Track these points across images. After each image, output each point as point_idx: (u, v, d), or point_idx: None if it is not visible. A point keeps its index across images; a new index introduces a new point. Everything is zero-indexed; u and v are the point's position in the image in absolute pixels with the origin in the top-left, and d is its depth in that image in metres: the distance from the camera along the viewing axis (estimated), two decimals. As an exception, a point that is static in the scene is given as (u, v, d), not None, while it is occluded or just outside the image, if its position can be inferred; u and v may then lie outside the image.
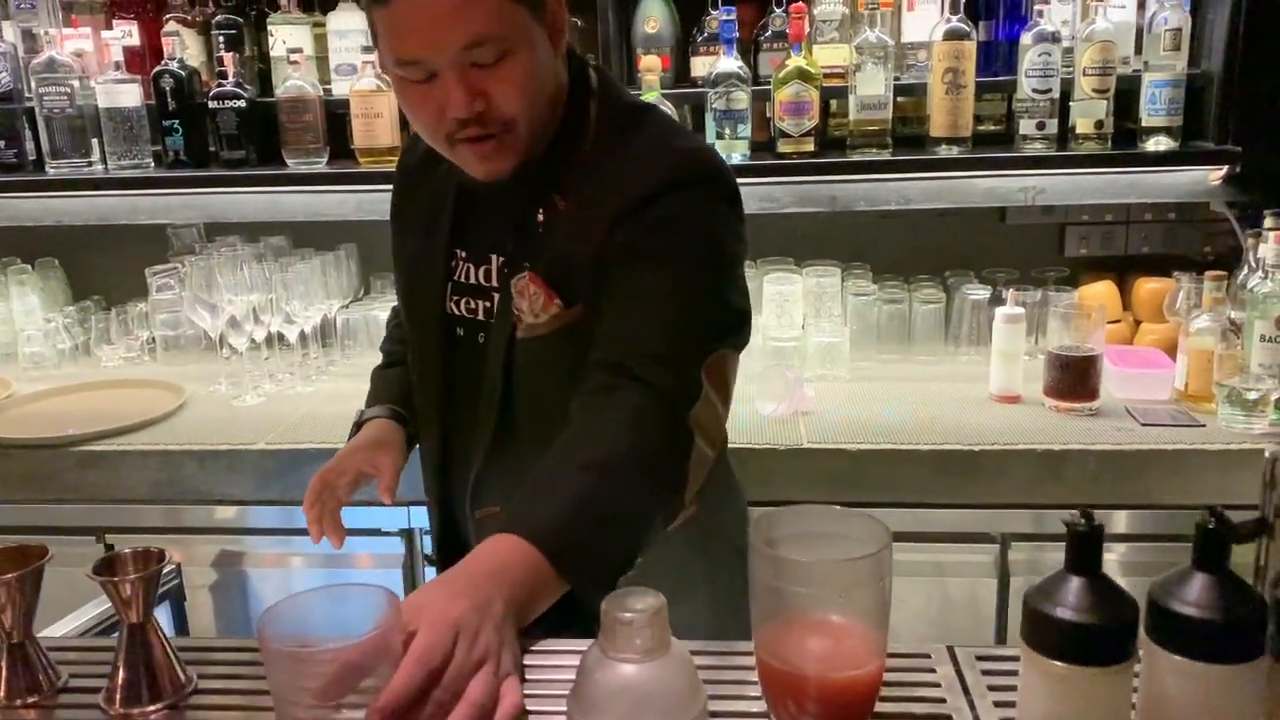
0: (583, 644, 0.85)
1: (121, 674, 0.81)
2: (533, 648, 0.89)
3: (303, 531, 1.99)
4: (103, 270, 2.61)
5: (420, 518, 1.94)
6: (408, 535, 1.97)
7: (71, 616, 1.67)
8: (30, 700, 0.83)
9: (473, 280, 1.26)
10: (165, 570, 1.65)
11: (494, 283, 1.23)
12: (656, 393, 1.06)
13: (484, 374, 1.22)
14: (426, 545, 1.97)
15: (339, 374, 2.30)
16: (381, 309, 2.27)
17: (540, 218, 1.18)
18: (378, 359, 2.22)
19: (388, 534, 1.97)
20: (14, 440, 1.96)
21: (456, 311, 1.28)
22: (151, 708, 0.81)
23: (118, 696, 0.81)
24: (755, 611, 0.75)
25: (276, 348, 2.25)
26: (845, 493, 1.82)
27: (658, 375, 1.07)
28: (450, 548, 1.39)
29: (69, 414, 2.10)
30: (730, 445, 1.89)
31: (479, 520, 1.26)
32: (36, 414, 2.12)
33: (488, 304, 1.24)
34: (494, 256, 1.24)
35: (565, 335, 1.16)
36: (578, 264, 1.15)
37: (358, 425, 1.48)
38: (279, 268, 2.19)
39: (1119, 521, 1.84)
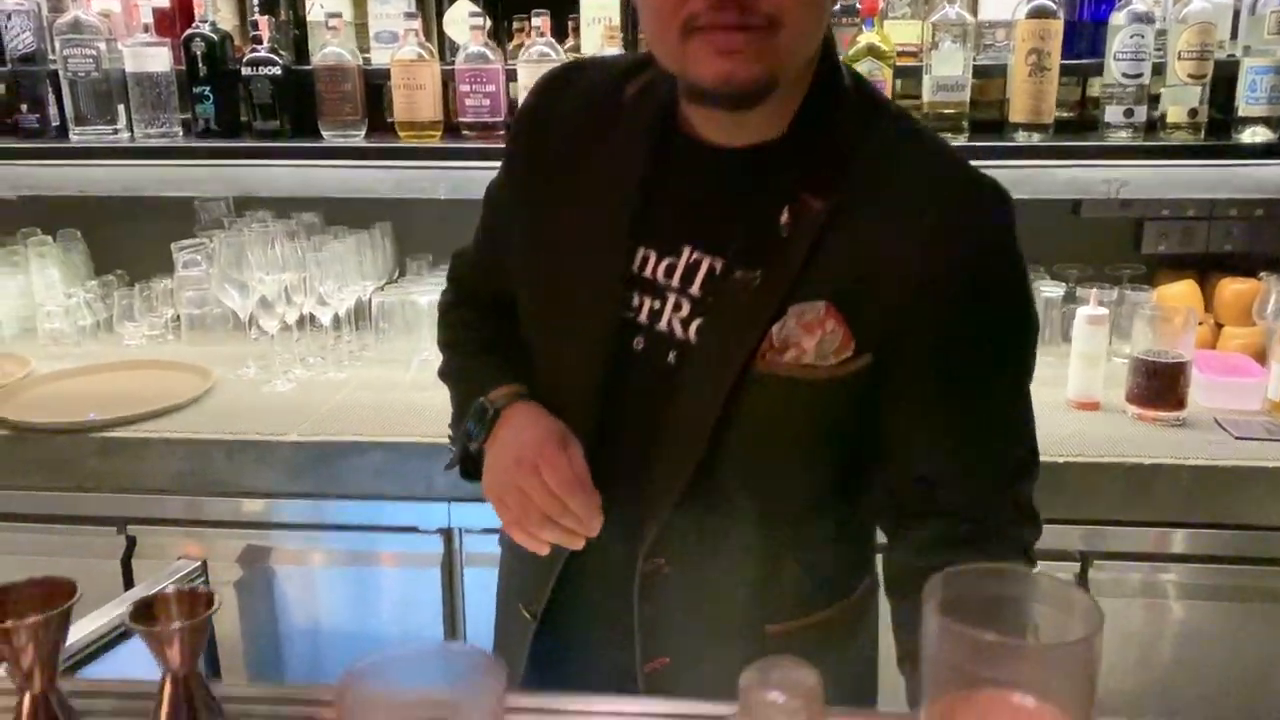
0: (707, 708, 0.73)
1: (161, 729, 0.69)
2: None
3: (334, 527, 1.90)
4: (126, 244, 2.50)
5: (463, 516, 1.83)
6: (447, 535, 1.86)
7: (91, 618, 1.56)
8: (56, 759, 0.71)
9: (659, 278, 0.99)
10: (193, 576, 1.55)
11: (694, 286, 0.97)
12: (1024, 555, 0.92)
13: (681, 406, 0.96)
14: (468, 544, 1.85)
15: (373, 360, 2.19)
16: (420, 293, 2.15)
17: (785, 218, 0.93)
18: (414, 345, 2.13)
19: (425, 532, 1.85)
20: (33, 424, 1.85)
21: (637, 318, 1.00)
22: (196, 775, 0.69)
23: (157, 758, 0.69)
24: (929, 684, 0.63)
25: (308, 330, 2.13)
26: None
27: (1028, 531, 0.94)
28: (569, 591, 1.08)
29: (90, 396, 1.99)
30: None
31: (646, 572, 1.01)
32: (56, 395, 2.01)
33: (681, 313, 0.98)
34: (688, 250, 0.98)
35: (829, 384, 0.93)
36: (870, 303, 0.91)
37: (480, 415, 1.07)
38: (312, 246, 2.08)
39: (1201, 541, 1.72)
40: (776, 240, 0.93)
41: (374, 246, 2.22)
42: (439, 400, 1.99)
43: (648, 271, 0.99)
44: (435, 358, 2.06)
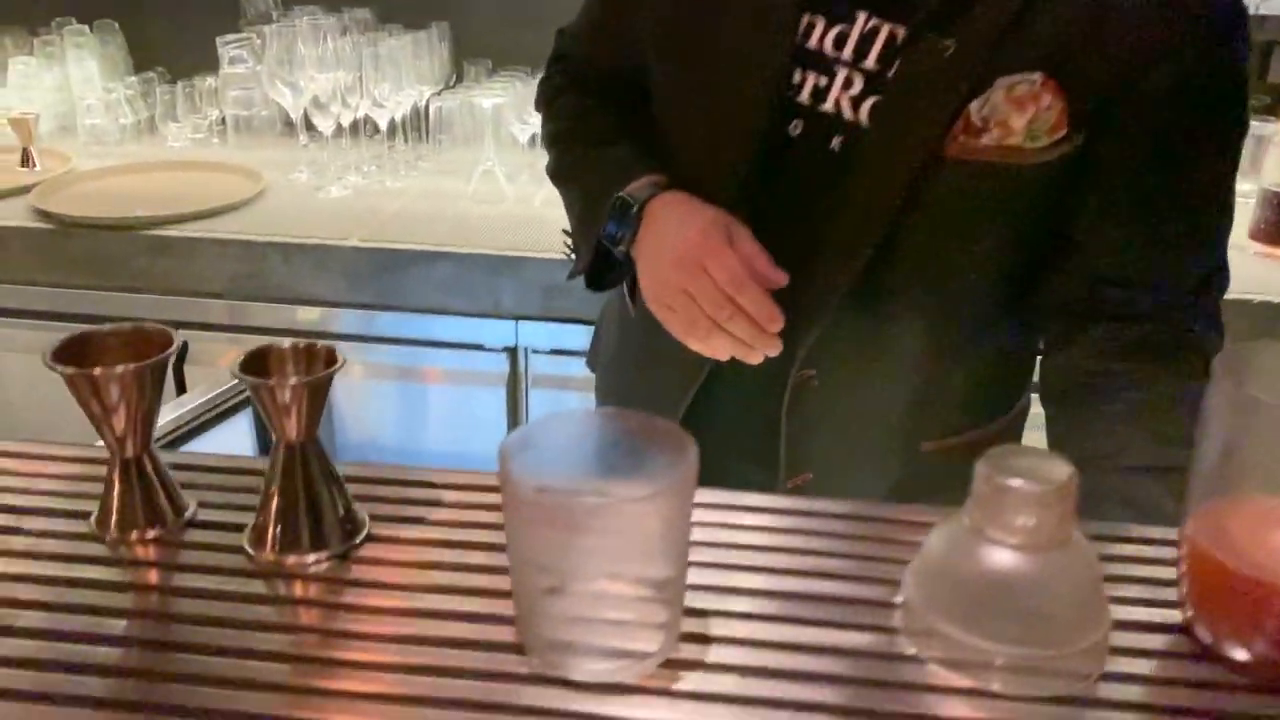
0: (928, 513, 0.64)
1: (275, 506, 0.59)
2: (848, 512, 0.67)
3: (395, 340, 1.81)
4: (167, 38, 2.34)
5: (530, 335, 1.73)
6: (512, 353, 1.77)
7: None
8: (149, 535, 0.62)
9: (826, 49, 0.85)
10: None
11: (870, 59, 0.83)
12: (1206, 367, 0.81)
13: (848, 198, 0.84)
14: (534, 365, 1.76)
15: (431, 170, 2.06)
16: (482, 95, 2.00)
17: None
18: (475, 156, 1.99)
19: (491, 350, 1.76)
20: (78, 219, 1.75)
21: (796, 97, 0.86)
22: (312, 556, 0.60)
23: (270, 538, 0.60)
24: (1198, 486, 0.53)
25: (362, 136, 2.00)
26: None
27: (1212, 341, 0.82)
28: (707, 405, 0.97)
29: (136, 195, 1.88)
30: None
31: (797, 384, 0.90)
32: (100, 193, 1.90)
33: (851, 90, 0.84)
34: (863, 16, 0.83)
35: (1033, 170, 0.81)
36: (1086, 74, 0.79)
37: (622, 212, 0.91)
38: (366, 42, 1.92)
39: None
40: (971, 1, 0.79)
41: (430, 48, 2.06)
42: (504, 214, 1.90)
43: (813, 42, 0.85)
44: (497, 168, 1.96)
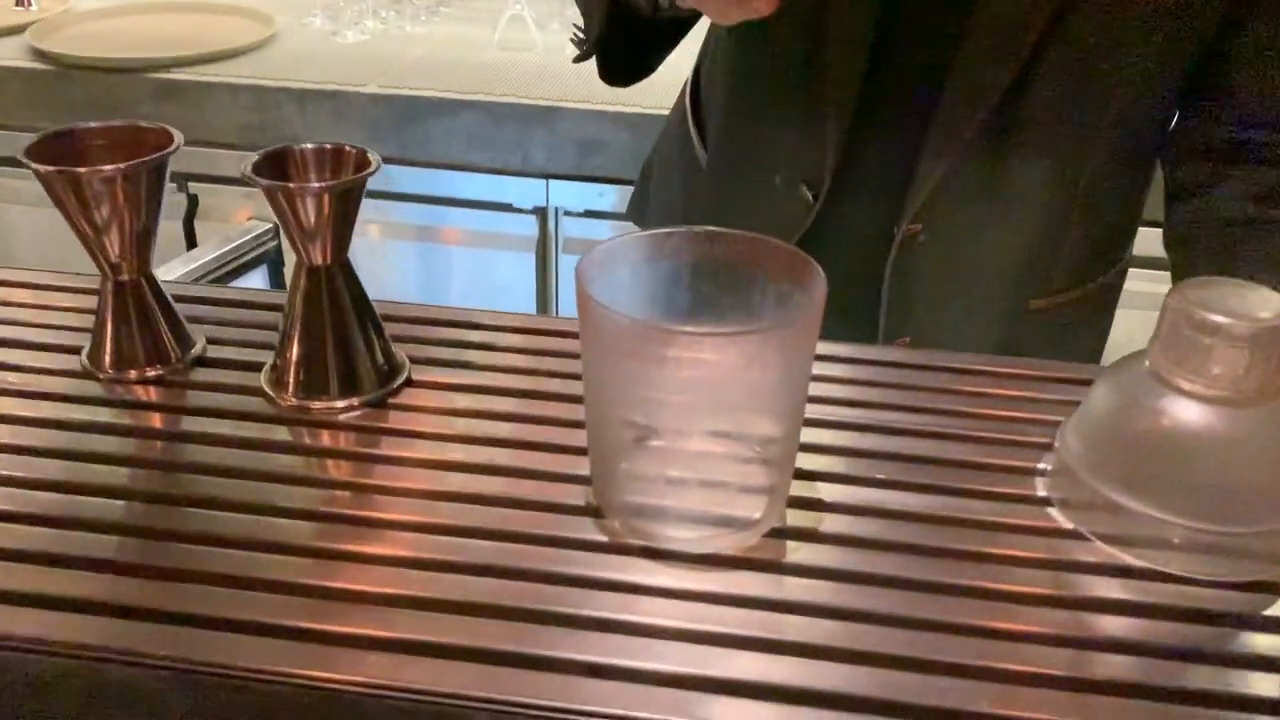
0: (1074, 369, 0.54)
1: (298, 343, 0.50)
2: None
3: (417, 198, 1.70)
4: None
5: (561, 195, 1.61)
6: (542, 214, 1.65)
7: (164, 270, 1.40)
8: (152, 374, 0.53)
9: None
10: (265, 239, 1.35)
11: None
12: None
13: (989, 14, 0.70)
14: (565, 228, 1.65)
15: (454, 16, 1.91)
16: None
17: None
18: (499, 0, 1.85)
19: (520, 211, 1.65)
20: (78, 59, 1.62)
21: None
22: (342, 402, 0.51)
23: (293, 380, 0.51)
24: None
25: (381, -22, 1.85)
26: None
27: None
28: None
29: (139, 37, 1.75)
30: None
31: (904, 240, 0.78)
32: (101, 34, 1.76)
33: None
34: None
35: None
36: None
37: None
38: (386, -125, 1.77)
39: None
40: None
41: (455, -117, 1.89)
42: (534, 62, 1.77)
43: None
44: (526, 12, 1.82)
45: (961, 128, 0.72)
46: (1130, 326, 1.37)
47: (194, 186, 1.67)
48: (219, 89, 1.60)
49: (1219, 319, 0.41)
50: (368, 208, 1.54)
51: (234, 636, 0.38)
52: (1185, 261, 0.76)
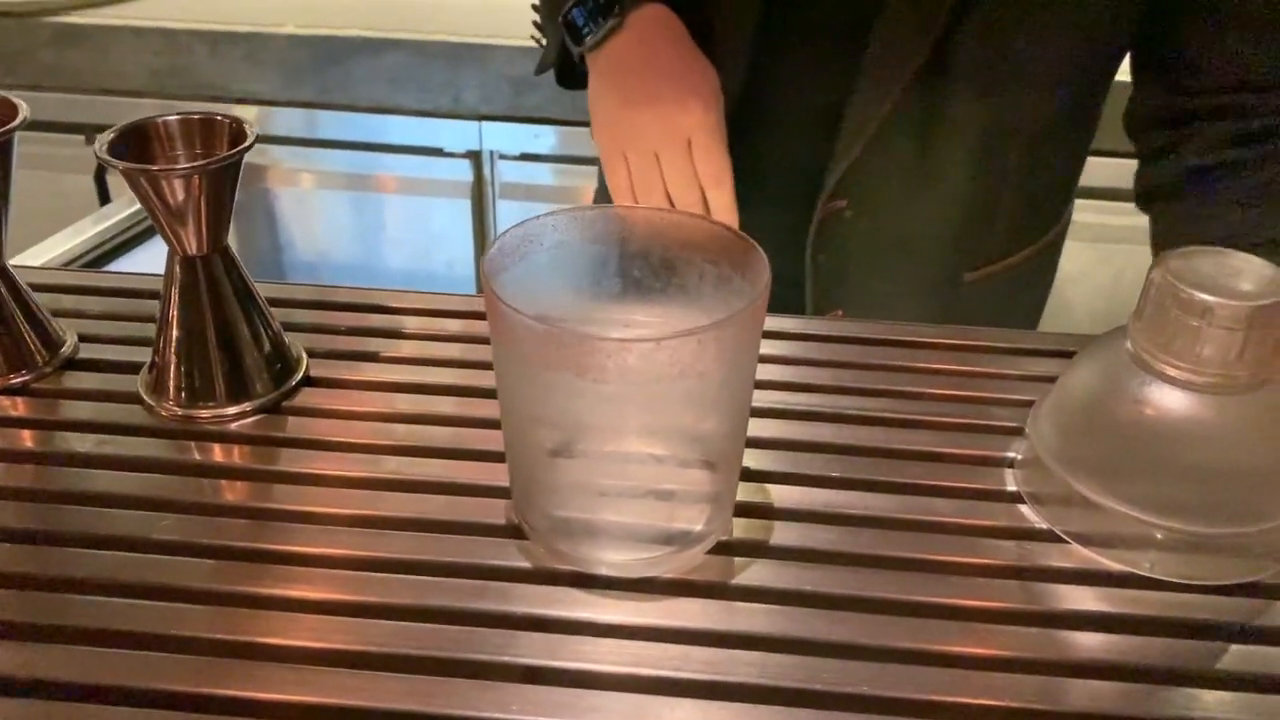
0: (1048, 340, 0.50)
1: (177, 342, 0.44)
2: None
3: (342, 144, 1.62)
4: None
5: (495, 137, 1.54)
6: (476, 159, 1.58)
7: (58, 238, 1.31)
8: (14, 380, 0.46)
9: None
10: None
11: None
12: None
13: None
14: (501, 172, 1.58)
15: (377, -52, 1.81)
16: None
17: None
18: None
19: (453, 155, 1.57)
20: (-35, 4, 1.51)
21: None
22: (232, 409, 0.45)
23: (172, 383, 0.45)
24: None
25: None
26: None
27: None
28: None
29: (35, -23, 1.63)
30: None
31: (825, 216, 0.76)
32: (-8, -26, 1.64)
33: None
34: None
35: None
36: None
37: (595, 6, 0.73)
38: None
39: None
40: None
41: None
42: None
43: None
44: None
45: (877, 106, 0.68)
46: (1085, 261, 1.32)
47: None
48: (124, 33, 1.50)
49: (1208, 298, 0.36)
50: (294, 155, 1.46)
51: (96, 709, 0.33)
52: (1163, 213, 0.72)
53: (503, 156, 1.57)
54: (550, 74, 0.82)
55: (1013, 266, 0.81)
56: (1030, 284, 0.86)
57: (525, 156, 1.57)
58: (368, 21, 1.52)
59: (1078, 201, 0.87)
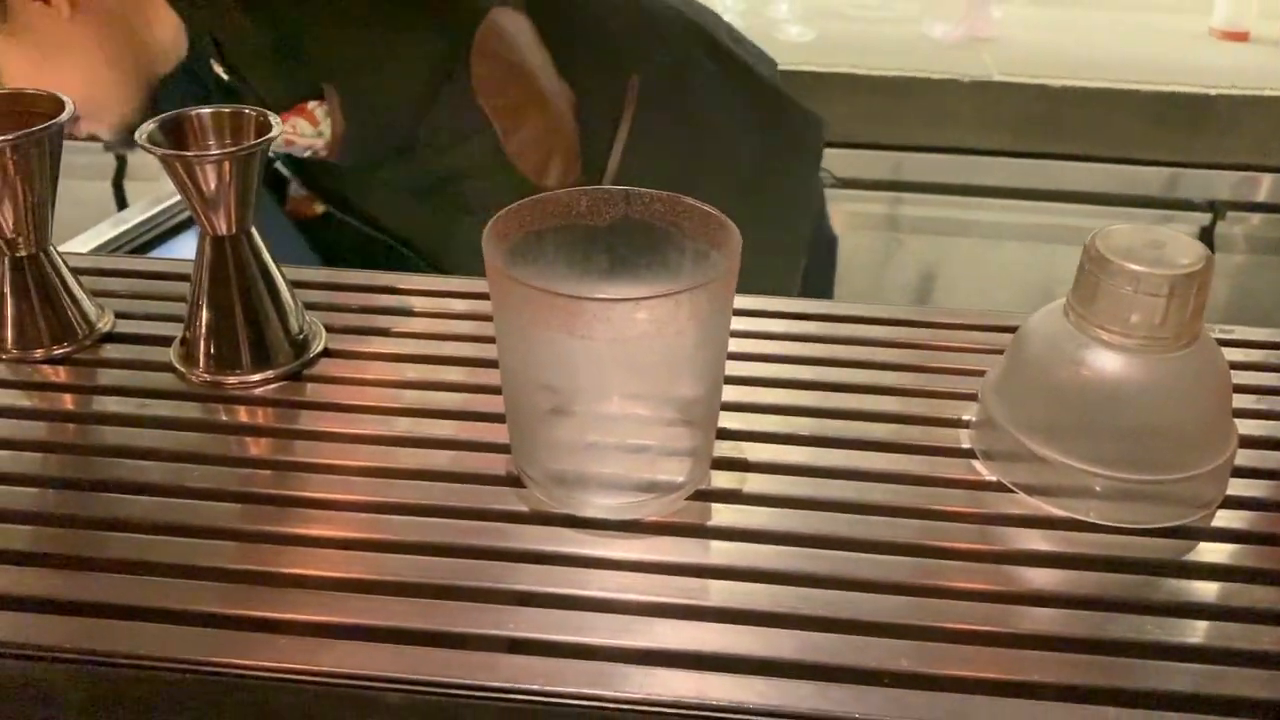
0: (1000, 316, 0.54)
1: (206, 316, 0.48)
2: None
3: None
4: None
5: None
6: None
7: (74, 243, 1.36)
8: (58, 351, 0.51)
9: None
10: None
11: None
12: None
13: None
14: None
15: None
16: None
17: None
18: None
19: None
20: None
21: None
22: (257, 375, 0.49)
23: (203, 354, 0.49)
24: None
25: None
26: (1035, 140, 1.46)
27: None
28: None
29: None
30: (891, 72, 1.52)
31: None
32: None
33: None
34: None
35: None
36: None
37: None
38: None
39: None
40: None
41: None
42: None
43: None
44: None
45: None
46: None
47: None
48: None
49: (1136, 268, 0.40)
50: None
51: (137, 625, 0.37)
52: None
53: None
54: None
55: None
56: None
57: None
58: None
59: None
